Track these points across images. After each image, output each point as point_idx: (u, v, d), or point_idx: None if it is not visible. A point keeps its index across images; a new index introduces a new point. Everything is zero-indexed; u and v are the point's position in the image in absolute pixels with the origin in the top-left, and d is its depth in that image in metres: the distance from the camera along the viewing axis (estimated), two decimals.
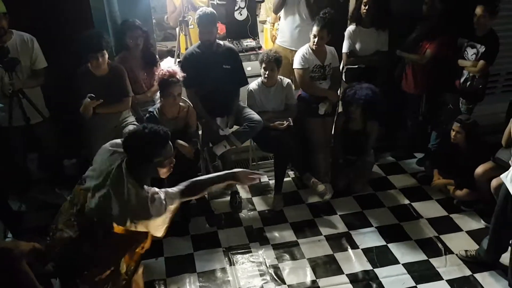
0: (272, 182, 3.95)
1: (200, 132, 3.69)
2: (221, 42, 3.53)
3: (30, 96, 3.18)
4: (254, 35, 4.37)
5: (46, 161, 3.75)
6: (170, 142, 2.09)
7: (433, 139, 4.19)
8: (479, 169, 3.44)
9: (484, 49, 3.63)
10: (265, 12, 4.65)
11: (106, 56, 3.20)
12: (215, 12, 3.38)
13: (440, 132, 4.04)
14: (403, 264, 3.17)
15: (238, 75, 3.57)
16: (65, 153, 3.82)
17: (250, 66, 4.02)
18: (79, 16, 3.38)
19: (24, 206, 3.62)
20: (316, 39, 3.56)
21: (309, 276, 3.10)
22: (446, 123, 3.77)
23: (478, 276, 3.06)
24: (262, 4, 4.63)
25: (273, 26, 4.49)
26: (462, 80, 3.81)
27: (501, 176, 2.80)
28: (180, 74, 3.18)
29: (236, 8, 4.24)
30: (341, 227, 3.53)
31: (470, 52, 3.72)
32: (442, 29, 3.80)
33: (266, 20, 4.71)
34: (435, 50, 3.79)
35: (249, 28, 4.34)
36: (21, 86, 3.12)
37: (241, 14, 4.27)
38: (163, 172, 2.13)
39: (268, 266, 3.18)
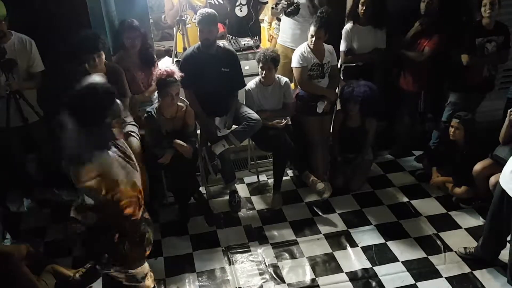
0: (270, 181, 3.96)
1: (198, 132, 3.69)
2: (221, 44, 3.52)
3: (26, 96, 3.17)
4: (254, 34, 4.37)
5: (44, 161, 3.74)
6: (116, 100, 2.03)
7: (434, 137, 4.20)
8: (478, 166, 3.45)
9: (503, 38, 3.68)
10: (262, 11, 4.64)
11: (103, 56, 3.19)
12: (215, 13, 3.37)
13: (440, 129, 4.05)
14: (402, 262, 3.17)
15: (236, 78, 3.57)
16: (63, 154, 3.81)
17: (247, 65, 4.01)
18: (76, 16, 3.36)
19: (23, 207, 3.62)
20: (313, 39, 3.57)
21: (308, 275, 3.10)
22: (448, 121, 3.77)
23: (477, 273, 3.06)
24: None
25: (270, 25, 4.49)
26: (483, 75, 3.82)
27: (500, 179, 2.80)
28: (178, 74, 3.18)
29: (237, 4, 4.24)
30: (340, 225, 3.53)
31: (490, 47, 3.72)
32: (440, 26, 3.80)
33: (263, 19, 4.71)
34: (433, 47, 3.80)
35: (251, 27, 4.34)
36: (18, 87, 3.12)
37: (241, 11, 4.26)
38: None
39: (267, 265, 3.18)
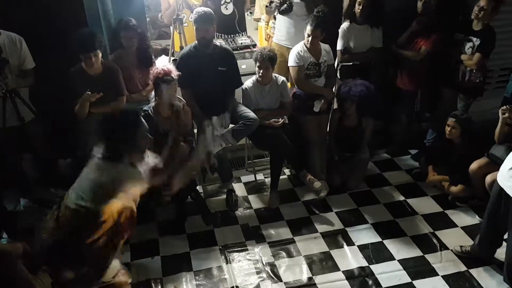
0: (268, 180, 3.96)
1: (195, 131, 3.69)
2: (217, 43, 3.51)
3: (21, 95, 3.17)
4: (242, 29, 4.36)
5: (40, 161, 3.74)
6: (140, 117, 2.31)
7: (429, 135, 4.21)
8: (474, 165, 3.46)
9: (479, 41, 3.65)
10: (259, 10, 4.64)
11: (100, 55, 3.19)
12: (212, 11, 3.37)
13: (436, 128, 4.06)
14: (398, 260, 3.18)
15: (233, 77, 3.57)
16: (59, 153, 3.80)
17: (245, 64, 4.01)
18: (72, 15, 3.36)
19: (20, 206, 3.61)
20: (310, 38, 3.57)
21: (305, 273, 3.10)
22: (442, 119, 3.78)
23: (473, 271, 3.08)
24: (256, 1, 4.62)
25: (268, 24, 4.48)
26: (460, 74, 3.82)
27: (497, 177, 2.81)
28: (175, 73, 3.18)
29: (222, 2, 4.24)
30: (337, 224, 3.54)
31: (467, 46, 3.74)
32: (437, 26, 3.81)
33: (260, 18, 4.70)
34: (430, 47, 3.80)
35: (237, 23, 4.34)
36: (16, 86, 3.11)
37: (227, 9, 4.27)
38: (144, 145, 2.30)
39: (264, 263, 3.19)
